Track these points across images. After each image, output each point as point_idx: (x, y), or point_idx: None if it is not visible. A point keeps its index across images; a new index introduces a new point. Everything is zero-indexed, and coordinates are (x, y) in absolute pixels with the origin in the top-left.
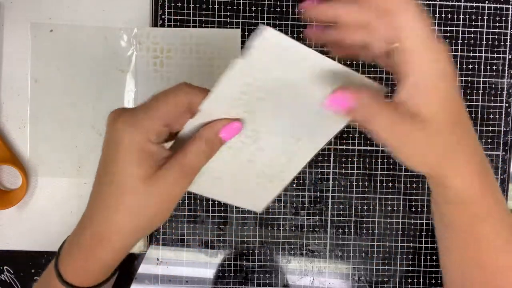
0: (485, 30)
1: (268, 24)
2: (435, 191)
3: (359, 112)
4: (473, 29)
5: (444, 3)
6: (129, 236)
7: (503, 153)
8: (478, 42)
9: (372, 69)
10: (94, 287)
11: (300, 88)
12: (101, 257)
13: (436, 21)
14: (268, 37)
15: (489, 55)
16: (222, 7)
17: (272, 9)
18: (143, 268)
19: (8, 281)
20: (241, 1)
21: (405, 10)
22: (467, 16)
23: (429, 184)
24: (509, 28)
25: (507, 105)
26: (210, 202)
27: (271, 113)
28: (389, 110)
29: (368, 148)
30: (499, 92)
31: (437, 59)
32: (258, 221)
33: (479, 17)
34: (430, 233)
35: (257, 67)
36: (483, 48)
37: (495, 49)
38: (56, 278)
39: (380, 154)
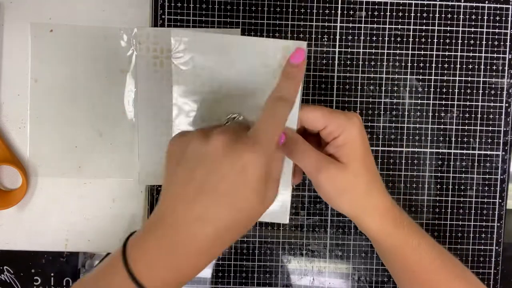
0: (485, 30)
1: (268, 24)
2: (361, 229)
3: (285, 147)
4: (473, 29)
5: (444, 3)
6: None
7: (503, 153)
8: (478, 42)
9: (373, 71)
10: None
11: (240, 73)
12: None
13: (436, 21)
14: (179, 37)
15: (489, 55)
16: (222, 7)
17: (272, 9)
18: None
19: (8, 281)
20: (241, 1)
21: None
22: (467, 16)
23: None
24: (509, 28)
25: (507, 105)
26: None
27: (230, 106)
28: (312, 149)
29: None
30: (499, 92)
31: (360, 131)
32: (258, 221)
33: (479, 17)
34: (429, 233)
35: (190, 65)
36: (483, 48)
37: (495, 49)
38: (123, 277)
39: (379, 154)
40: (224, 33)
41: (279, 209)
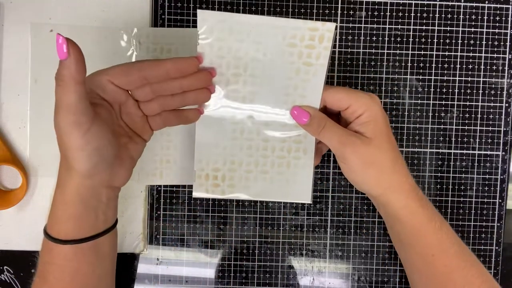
0: (485, 30)
1: None
2: (381, 211)
3: (311, 126)
4: (473, 29)
5: (444, 3)
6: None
7: (503, 153)
8: (478, 42)
9: (372, 69)
10: (82, 240)
11: (267, 53)
12: (58, 200)
13: (436, 21)
14: (206, 18)
15: (489, 55)
16: (222, 7)
17: (272, 9)
18: (143, 268)
19: (8, 281)
20: (241, 1)
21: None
22: (467, 16)
23: (375, 206)
24: (509, 28)
25: (507, 105)
26: (210, 202)
27: (254, 85)
28: (337, 126)
29: None
30: (499, 92)
31: (382, 109)
32: (258, 221)
33: (479, 17)
34: None
35: (216, 46)
36: (483, 48)
37: (495, 49)
38: (46, 239)
39: None
40: None
41: (301, 188)
